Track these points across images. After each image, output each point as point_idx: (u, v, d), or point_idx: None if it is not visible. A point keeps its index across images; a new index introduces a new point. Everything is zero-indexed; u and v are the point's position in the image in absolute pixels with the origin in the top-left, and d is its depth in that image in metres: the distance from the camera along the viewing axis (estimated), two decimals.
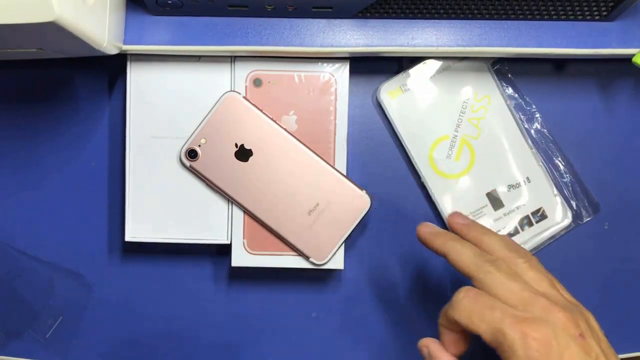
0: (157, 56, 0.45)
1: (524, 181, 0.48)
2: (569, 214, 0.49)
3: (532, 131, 0.49)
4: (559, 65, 0.50)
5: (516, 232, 0.48)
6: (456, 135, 0.48)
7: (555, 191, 0.48)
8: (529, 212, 0.48)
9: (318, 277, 0.50)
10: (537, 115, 0.49)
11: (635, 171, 0.50)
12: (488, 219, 0.48)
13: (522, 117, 0.49)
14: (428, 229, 0.41)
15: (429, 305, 0.50)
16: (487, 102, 0.48)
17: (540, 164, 0.48)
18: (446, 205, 0.48)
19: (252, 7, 0.41)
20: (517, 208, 0.48)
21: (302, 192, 0.46)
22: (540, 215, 0.48)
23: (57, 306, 0.50)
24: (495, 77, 0.48)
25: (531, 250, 0.49)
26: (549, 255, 0.50)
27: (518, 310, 0.35)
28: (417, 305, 0.50)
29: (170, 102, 0.46)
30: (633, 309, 0.50)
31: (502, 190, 0.48)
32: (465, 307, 0.36)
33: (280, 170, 0.46)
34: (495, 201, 0.48)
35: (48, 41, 0.37)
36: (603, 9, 0.41)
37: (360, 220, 0.46)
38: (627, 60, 0.42)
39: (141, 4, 0.42)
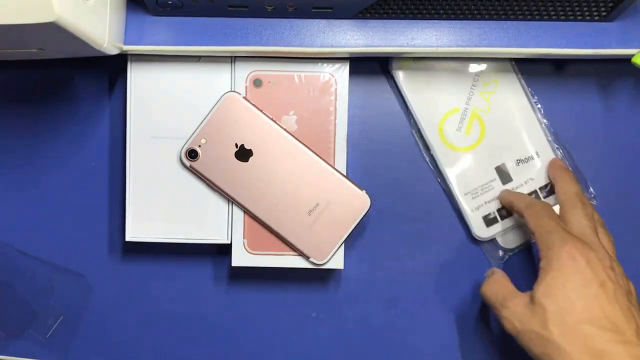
0: (158, 56, 0.45)
1: (533, 155, 0.48)
2: None
3: None
4: (558, 65, 0.50)
5: None
6: (467, 109, 0.48)
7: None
8: (537, 187, 0.49)
9: (318, 277, 0.50)
10: (539, 105, 0.49)
11: (635, 171, 0.50)
12: (496, 193, 0.49)
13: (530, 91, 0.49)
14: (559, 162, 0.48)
15: (429, 304, 0.50)
16: (499, 75, 0.48)
17: (550, 138, 0.49)
18: (454, 178, 0.48)
19: (252, 8, 0.41)
20: (526, 182, 0.48)
21: (302, 192, 0.46)
22: (548, 190, 0.49)
23: (57, 306, 0.50)
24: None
25: None
26: None
27: (572, 233, 0.42)
28: (417, 305, 0.50)
29: (170, 102, 0.46)
30: None
31: (511, 164, 0.48)
32: (537, 211, 0.44)
33: (280, 170, 0.46)
34: (503, 175, 0.48)
35: (48, 41, 0.37)
36: (603, 9, 0.41)
37: (360, 220, 0.46)
38: (627, 60, 0.42)
39: (141, 4, 0.42)
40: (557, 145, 0.49)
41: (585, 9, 0.41)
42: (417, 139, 0.49)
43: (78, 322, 0.50)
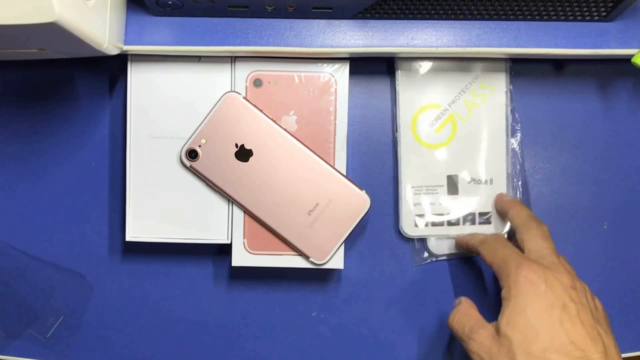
0: (158, 56, 0.45)
1: (487, 181, 0.48)
2: (507, 228, 0.49)
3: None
4: (559, 65, 0.50)
5: (457, 222, 0.49)
6: (447, 110, 0.48)
7: None
8: (477, 211, 0.49)
9: (318, 276, 0.50)
10: (519, 134, 0.49)
11: (635, 171, 0.50)
12: (437, 199, 0.48)
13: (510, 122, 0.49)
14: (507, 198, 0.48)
15: (428, 304, 0.50)
16: (490, 92, 0.48)
17: (509, 172, 0.48)
18: (406, 167, 0.48)
19: (252, 8, 0.41)
20: (468, 202, 0.48)
21: (302, 192, 0.46)
22: (485, 219, 0.49)
23: (57, 306, 0.50)
24: (508, 72, 0.48)
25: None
26: None
27: (529, 257, 0.41)
28: (417, 304, 0.50)
29: (170, 102, 0.46)
30: (633, 309, 0.50)
31: (463, 179, 0.48)
32: (490, 243, 0.44)
33: (280, 170, 0.46)
34: (452, 186, 0.48)
35: (49, 42, 0.37)
36: (602, 9, 0.41)
37: (360, 220, 0.46)
38: (626, 60, 0.42)
39: (142, 5, 0.42)
40: (518, 178, 0.49)
41: (585, 9, 0.41)
42: (394, 130, 0.49)
43: (78, 322, 0.50)
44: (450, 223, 0.48)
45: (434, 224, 0.49)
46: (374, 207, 0.47)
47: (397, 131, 0.48)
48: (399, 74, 0.48)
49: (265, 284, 0.50)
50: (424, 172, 0.48)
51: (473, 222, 0.48)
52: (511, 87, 0.49)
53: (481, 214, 0.48)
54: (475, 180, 0.48)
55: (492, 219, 0.48)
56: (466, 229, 0.48)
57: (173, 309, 0.50)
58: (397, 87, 0.48)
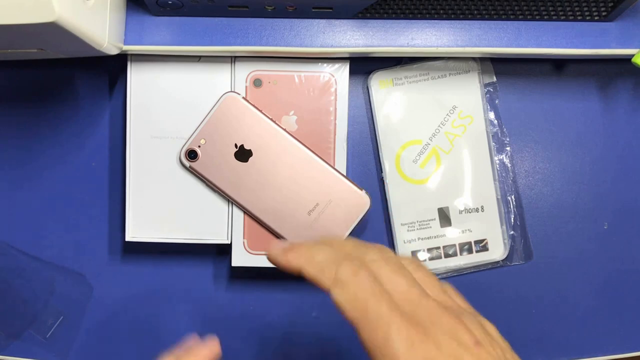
0: (158, 56, 0.45)
1: (478, 209, 0.48)
2: (506, 253, 0.49)
3: (497, 161, 0.49)
4: (559, 65, 0.50)
5: (454, 254, 0.49)
6: (429, 144, 0.48)
7: (504, 227, 0.49)
8: (472, 240, 0.49)
9: None
10: (508, 148, 0.49)
11: (635, 171, 0.50)
12: (432, 233, 0.49)
13: (494, 144, 0.49)
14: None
15: None
16: (469, 121, 0.48)
17: (499, 197, 0.49)
18: (395, 205, 0.48)
19: (252, 8, 0.41)
20: (463, 232, 0.48)
21: (302, 192, 0.46)
22: (482, 246, 0.49)
23: (57, 306, 0.50)
24: (484, 100, 0.48)
25: (455, 273, 0.49)
26: (549, 255, 0.50)
27: (405, 311, 0.29)
28: None
29: (170, 102, 0.46)
30: (633, 309, 0.50)
31: (454, 210, 0.48)
32: (352, 292, 0.30)
33: (280, 170, 0.46)
34: (444, 218, 0.48)
35: (49, 41, 0.37)
36: (603, 9, 0.41)
37: (360, 220, 0.46)
38: (627, 60, 0.42)
39: (141, 5, 0.42)
40: (510, 192, 0.49)
41: (585, 9, 0.41)
42: (379, 170, 0.49)
43: (78, 322, 0.50)
44: (447, 255, 0.49)
45: (431, 258, 0.49)
46: (373, 207, 0.47)
47: (382, 172, 0.49)
48: (377, 116, 0.48)
49: (265, 284, 0.50)
50: (414, 208, 0.49)
51: (470, 251, 0.49)
52: (489, 106, 0.49)
53: (477, 242, 0.49)
54: (467, 210, 0.48)
55: (489, 245, 0.48)
56: (464, 259, 0.49)
57: (173, 309, 0.50)
58: (377, 128, 0.48)
